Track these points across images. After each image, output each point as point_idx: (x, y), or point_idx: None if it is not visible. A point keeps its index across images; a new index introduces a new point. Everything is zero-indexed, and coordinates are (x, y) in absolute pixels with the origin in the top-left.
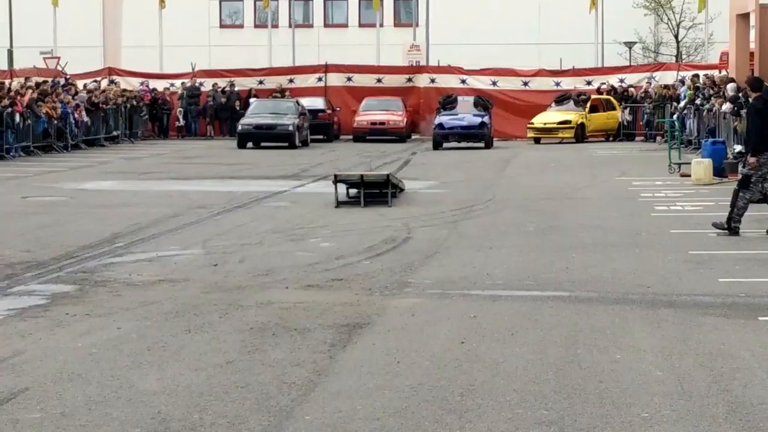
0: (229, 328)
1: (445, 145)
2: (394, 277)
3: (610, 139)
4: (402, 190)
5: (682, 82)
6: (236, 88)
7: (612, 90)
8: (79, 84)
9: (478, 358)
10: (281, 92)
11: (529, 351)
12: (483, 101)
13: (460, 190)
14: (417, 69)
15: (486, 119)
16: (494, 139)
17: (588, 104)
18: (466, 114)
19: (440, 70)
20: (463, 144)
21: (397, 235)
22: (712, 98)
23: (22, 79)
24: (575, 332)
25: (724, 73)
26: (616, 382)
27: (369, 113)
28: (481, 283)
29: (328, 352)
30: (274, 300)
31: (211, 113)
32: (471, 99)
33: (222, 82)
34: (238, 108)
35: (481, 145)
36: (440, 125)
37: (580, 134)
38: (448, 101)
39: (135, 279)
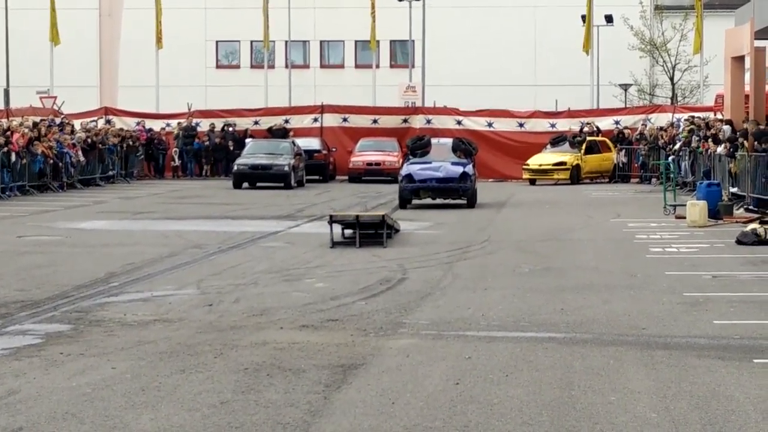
0: (224, 369)
1: (415, 201)
2: (389, 317)
3: (606, 180)
4: (397, 230)
5: (678, 124)
6: (233, 129)
7: (597, 131)
8: (76, 124)
9: (472, 399)
10: (283, 131)
11: (523, 392)
12: (465, 145)
13: (455, 231)
14: (413, 110)
15: (469, 168)
16: (489, 180)
17: (583, 146)
18: (442, 162)
19: (436, 111)
20: (439, 201)
21: (392, 275)
22: (708, 140)
23: (18, 119)
24: (570, 373)
25: (719, 115)
26: (611, 424)
27: (365, 154)
28: (476, 324)
29: (323, 392)
30: (269, 340)
31: (206, 153)
32: (448, 142)
33: (218, 122)
34: (231, 148)
35: (462, 201)
36: (408, 176)
37: (576, 176)
38: (418, 145)
39: (130, 319)
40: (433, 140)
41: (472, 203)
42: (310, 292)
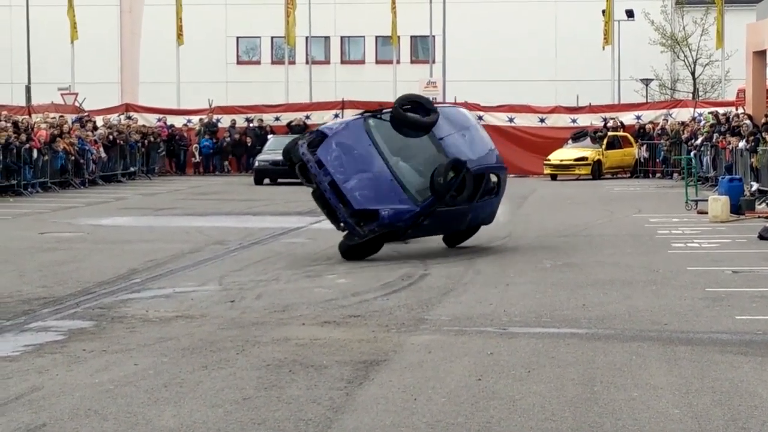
0: (246, 365)
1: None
2: (411, 313)
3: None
4: None
5: (699, 119)
6: (260, 125)
7: (621, 126)
8: (98, 120)
9: (494, 395)
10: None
11: (546, 388)
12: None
13: None
14: None
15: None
16: (511, 175)
17: (605, 141)
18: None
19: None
20: None
21: (414, 271)
22: (727, 135)
23: (40, 116)
24: (592, 369)
25: (740, 110)
26: (634, 420)
27: None
28: (498, 320)
29: (345, 388)
30: (291, 336)
31: (227, 149)
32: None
33: (239, 119)
34: (249, 144)
35: None
36: None
37: (597, 171)
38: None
39: (152, 315)
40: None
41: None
42: (331, 288)
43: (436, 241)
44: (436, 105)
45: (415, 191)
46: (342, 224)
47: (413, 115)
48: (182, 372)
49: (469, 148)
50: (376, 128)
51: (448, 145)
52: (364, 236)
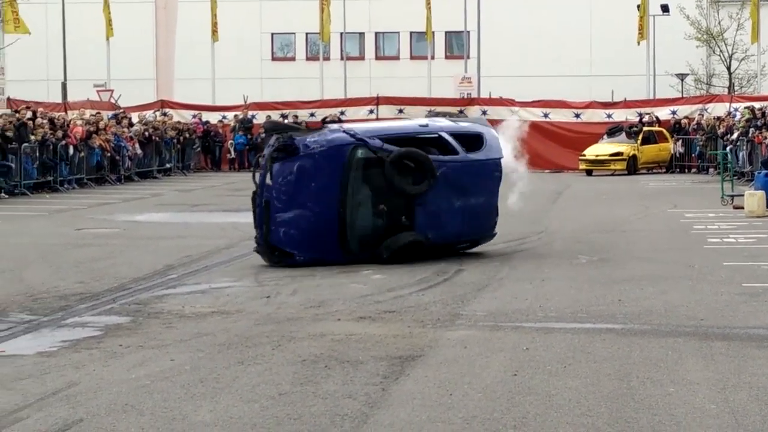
0: (282, 360)
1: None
2: (446, 309)
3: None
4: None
5: (735, 114)
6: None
7: (656, 121)
8: (134, 117)
9: (530, 390)
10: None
11: (581, 383)
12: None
13: (511, 222)
14: (468, 101)
15: None
16: (545, 170)
17: (640, 136)
18: None
19: (492, 102)
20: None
21: (449, 267)
22: (763, 130)
23: (76, 112)
24: (628, 365)
25: None
26: (670, 415)
27: None
28: (533, 315)
29: (381, 384)
30: (327, 332)
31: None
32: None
33: (274, 115)
34: None
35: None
36: None
37: (633, 166)
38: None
39: (188, 311)
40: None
41: None
42: (367, 284)
43: None
44: (460, 121)
45: (358, 240)
46: (256, 241)
47: (399, 180)
48: (218, 367)
49: (454, 221)
50: (358, 162)
51: (425, 212)
52: (273, 263)
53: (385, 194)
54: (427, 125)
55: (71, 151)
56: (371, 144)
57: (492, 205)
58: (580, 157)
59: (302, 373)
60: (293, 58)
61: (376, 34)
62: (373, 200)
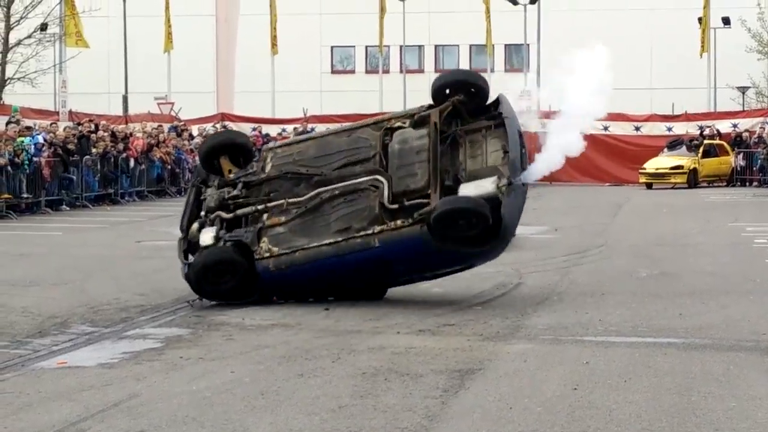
0: (342, 373)
1: None
2: (505, 322)
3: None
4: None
5: None
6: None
7: (717, 134)
8: (194, 129)
9: (590, 404)
10: None
11: (642, 398)
12: None
13: (571, 236)
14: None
15: None
16: (606, 184)
17: (700, 149)
18: None
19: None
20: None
21: (508, 280)
22: None
23: (137, 125)
24: (689, 379)
25: None
26: (732, 430)
27: None
28: (593, 329)
29: (441, 397)
30: (386, 345)
31: None
32: None
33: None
34: None
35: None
36: None
37: (693, 179)
38: None
39: (248, 323)
40: None
41: None
42: (426, 297)
43: (531, 250)
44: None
45: None
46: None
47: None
48: (278, 380)
49: None
50: None
51: None
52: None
53: None
54: None
55: (132, 163)
56: None
57: None
58: (640, 171)
59: (362, 386)
60: (353, 71)
61: (436, 46)
62: None
